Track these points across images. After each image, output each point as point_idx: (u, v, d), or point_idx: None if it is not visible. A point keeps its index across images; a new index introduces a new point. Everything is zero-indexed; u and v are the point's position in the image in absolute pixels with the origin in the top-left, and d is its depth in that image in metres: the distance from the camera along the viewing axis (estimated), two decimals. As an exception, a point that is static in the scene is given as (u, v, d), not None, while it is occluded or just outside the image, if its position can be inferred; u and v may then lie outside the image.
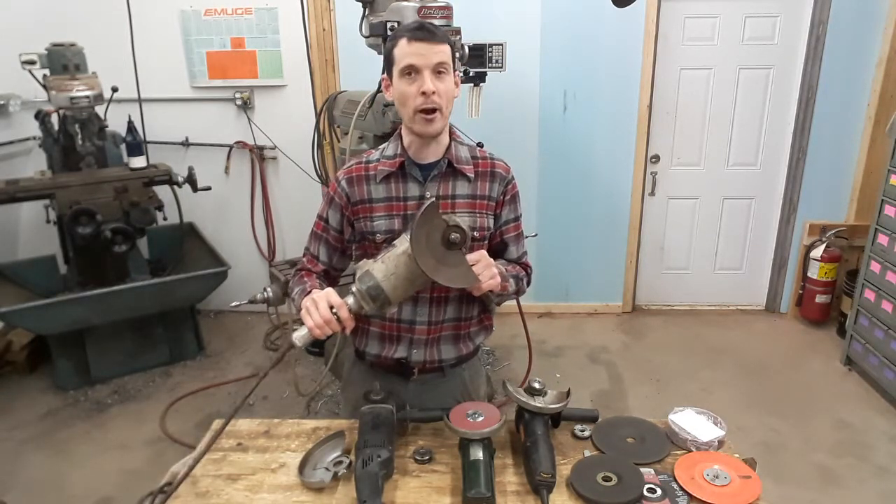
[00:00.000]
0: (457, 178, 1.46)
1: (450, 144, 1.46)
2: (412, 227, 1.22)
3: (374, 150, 1.51)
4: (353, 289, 1.28)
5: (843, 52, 3.57)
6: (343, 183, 1.48)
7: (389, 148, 1.47)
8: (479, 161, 1.49)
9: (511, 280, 1.50)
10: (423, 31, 1.34)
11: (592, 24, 3.62)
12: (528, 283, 1.61)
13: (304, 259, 1.58)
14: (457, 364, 1.59)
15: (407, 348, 1.52)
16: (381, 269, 1.26)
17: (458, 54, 1.47)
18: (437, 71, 1.34)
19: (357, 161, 1.50)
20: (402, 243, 1.28)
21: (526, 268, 1.61)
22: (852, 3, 3.48)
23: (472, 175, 1.47)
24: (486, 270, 1.33)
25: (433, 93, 1.33)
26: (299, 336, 1.29)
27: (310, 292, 1.35)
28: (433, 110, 1.35)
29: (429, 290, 1.48)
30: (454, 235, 1.25)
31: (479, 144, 2.80)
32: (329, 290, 1.32)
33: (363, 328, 1.57)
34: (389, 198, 1.45)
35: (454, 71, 1.41)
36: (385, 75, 1.45)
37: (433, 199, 1.30)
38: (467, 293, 1.46)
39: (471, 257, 1.33)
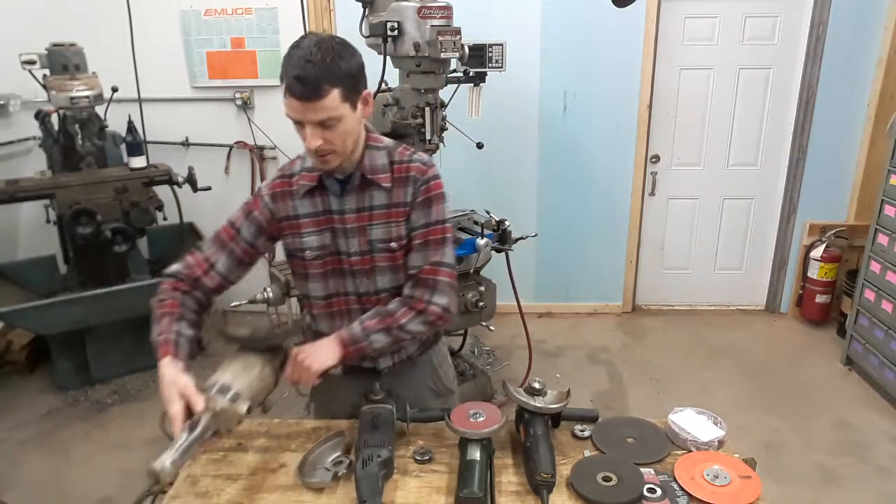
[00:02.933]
0: (372, 189, 1.40)
1: (363, 154, 1.39)
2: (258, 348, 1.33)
3: (297, 160, 1.46)
4: (218, 407, 1.21)
5: (843, 52, 3.57)
6: (267, 199, 1.44)
7: (308, 159, 1.40)
8: (397, 166, 1.41)
9: (377, 336, 1.39)
10: (298, 86, 1.22)
11: (592, 24, 3.62)
12: (423, 315, 1.42)
13: (190, 260, 1.45)
14: (423, 352, 1.60)
15: (372, 360, 1.51)
16: (246, 387, 1.26)
17: (362, 84, 1.32)
18: (324, 126, 1.26)
19: (280, 175, 1.46)
20: (252, 365, 1.31)
21: (415, 298, 1.42)
22: (852, 3, 3.48)
23: (388, 185, 1.40)
24: (295, 373, 1.36)
25: (318, 146, 1.27)
26: (165, 465, 1.08)
27: (163, 355, 1.31)
28: (325, 154, 1.30)
29: (372, 301, 1.47)
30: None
31: (479, 145, 2.82)
32: (181, 400, 1.22)
33: None
34: (316, 213, 1.42)
35: (357, 104, 1.30)
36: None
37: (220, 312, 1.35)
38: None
39: (289, 363, 1.36)
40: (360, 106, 1.32)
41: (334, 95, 1.24)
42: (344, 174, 1.39)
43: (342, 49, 1.27)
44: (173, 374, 1.27)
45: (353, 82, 1.28)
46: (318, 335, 1.54)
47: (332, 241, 1.43)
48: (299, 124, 1.28)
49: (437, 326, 1.49)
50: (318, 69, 1.22)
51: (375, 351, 1.42)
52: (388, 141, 1.46)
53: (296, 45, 1.26)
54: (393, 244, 1.42)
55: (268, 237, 1.47)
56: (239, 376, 1.27)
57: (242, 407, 1.22)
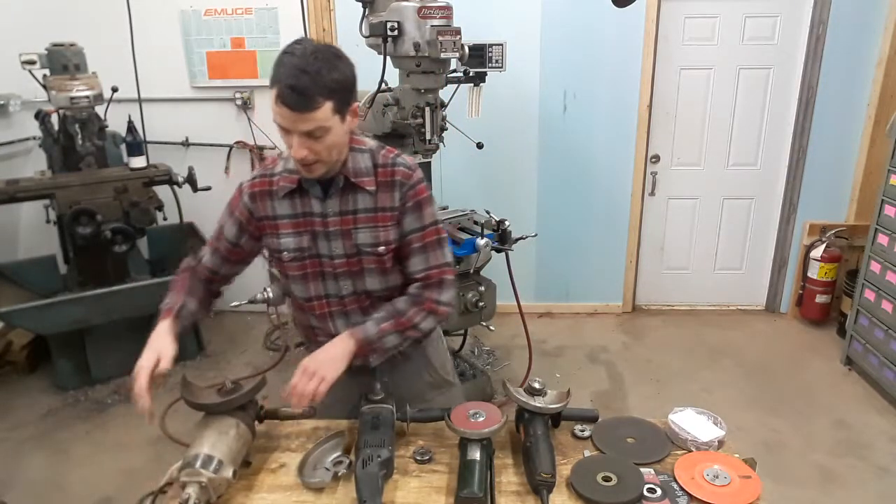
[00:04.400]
0: (357, 192, 1.40)
1: (347, 158, 1.38)
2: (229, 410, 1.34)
3: (279, 160, 1.45)
4: (204, 480, 1.19)
5: (843, 52, 3.57)
6: (246, 198, 1.44)
7: (291, 160, 1.38)
8: (380, 169, 1.40)
9: (390, 337, 1.42)
10: (291, 96, 1.20)
11: (592, 24, 3.61)
12: (434, 314, 1.46)
13: (200, 253, 1.55)
14: (417, 346, 1.59)
15: (363, 357, 1.49)
16: (226, 451, 1.26)
17: (352, 98, 1.31)
18: (312, 136, 1.25)
19: (261, 173, 1.45)
20: (227, 427, 1.30)
21: (423, 298, 1.44)
22: (852, 3, 3.48)
23: (373, 188, 1.39)
24: (302, 381, 1.33)
25: (304, 156, 1.27)
26: None
27: (158, 323, 1.39)
28: (310, 163, 1.30)
29: (353, 301, 1.47)
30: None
31: (479, 145, 2.82)
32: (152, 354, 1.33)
33: (313, 340, 1.58)
34: (295, 214, 1.42)
35: (346, 116, 1.30)
36: None
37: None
38: (395, 295, 1.47)
39: (297, 370, 1.34)
40: (348, 118, 1.31)
41: (326, 108, 1.23)
42: (327, 177, 1.38)
43: (337, 59, 1.26)
44: (163, 333, 1.37)
45: (345, 95, 1.27)
46: (308, 329, 1.57)
47: (312, 243, 1.42)
48: (286, 131, 1.27)
49: (442, 321, 1.52)
50: (312, 80, 1.20)
51: (384, 351, 1.44)
52: (371, 143, 1.44)
53: (289, 52, 1.24)
54: (381, 248, 1.41)
55: (250, 236, 1.48)
56: (217, 444, 1.26)
57: (228, 472, 1.23)
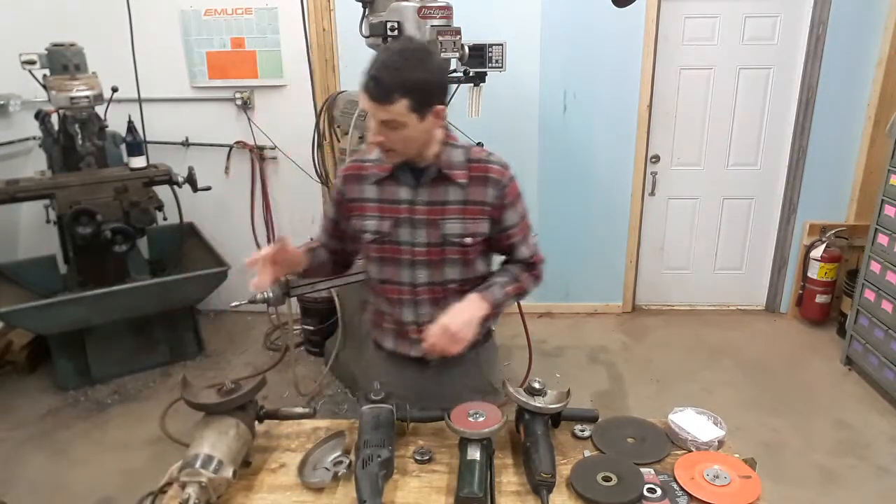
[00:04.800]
0: (448, 184, 1.45)
1: (441, 151, 1.44)
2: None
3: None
4: (204, 480, 1.19)
5: (843, 52, 3.57)
6: (339, 181, 1.55)
7: None
8: (473, 165, 1.46)
9: (509, 301, 1.53)
10: (371, 86, 1.30)
11: (592, 24, 3.61)
12: (539, 279, 1.61)
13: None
14: (472, 349, 1.58)
15: (421, 348, 1.51)
16: (226, 451, 1.26)
17: (435, 99, 1.36)
18: (388, 126, 1.33)
19: (355, 158, 1.54)
20: (227, 427, 1.30)
21: (533, 268, 1.59)
22: (852, 3, 3.48)
23: (464, 181, 1.45)
24: (442, 340, 1.37)
25: (378, 142, 1.36)
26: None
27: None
28: (386, 149, 1.39)
29: (426, 291, 1.51)
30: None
31: (479, 145, 2.82)
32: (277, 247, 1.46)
33: (378, 325, 1.62)
34: (382, 199, 1.48)
35: (427, 116, 1.34)
36: None
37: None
38: (466, 289, 1.49)
39: (435, 328, 1.37)
40: (430, 118, 1.35)
41: (402, 104, 1.29)
42: (420, 166, 1.44)
43: (426, 62, 1.33)
44: (294, 247, 1.50)
45: (425, 95, 1.32)
46: (378, 315, 1.62)
47: (392, 229, 1.47)
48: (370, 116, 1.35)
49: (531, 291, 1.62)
50: (392, 76, 1.28)
51: (498, 316, 1.55)
52: (464, 141, 1.52)
53: (387, 46, 1.36)
54: (467, 240, 1.46)
55: (342, 216, 1.56)
56: (217, 444, 1.26)
57: (228, 472, 1.23)
